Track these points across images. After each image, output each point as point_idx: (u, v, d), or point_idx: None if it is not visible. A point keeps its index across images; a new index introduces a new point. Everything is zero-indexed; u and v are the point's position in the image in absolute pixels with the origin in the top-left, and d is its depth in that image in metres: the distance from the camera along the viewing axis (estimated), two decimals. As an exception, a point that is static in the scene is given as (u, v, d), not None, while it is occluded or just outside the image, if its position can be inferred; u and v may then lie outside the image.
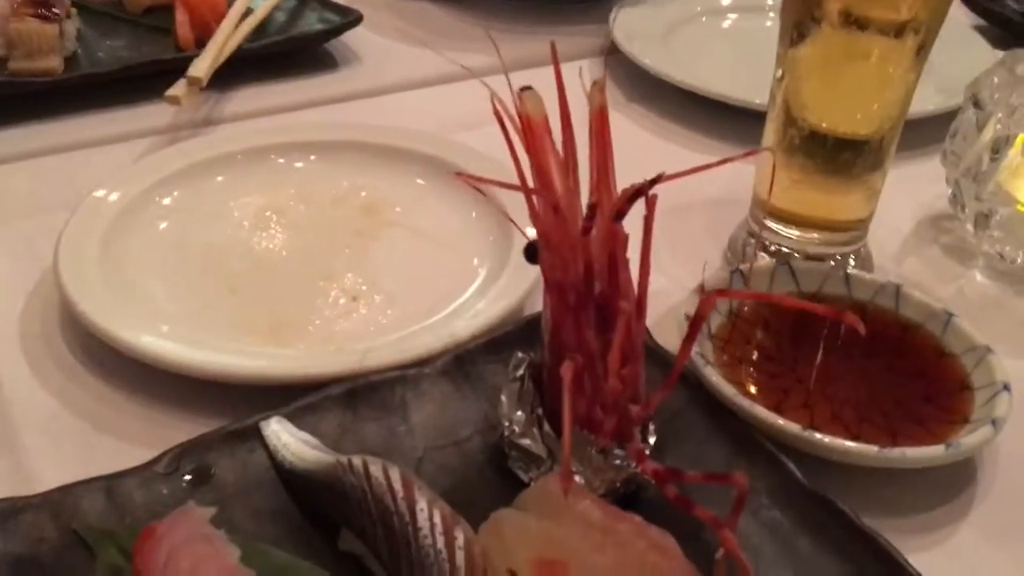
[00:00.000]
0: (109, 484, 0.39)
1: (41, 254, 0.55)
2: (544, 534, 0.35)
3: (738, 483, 0.36)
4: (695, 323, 0.37)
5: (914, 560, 0.37)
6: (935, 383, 0.47)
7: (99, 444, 0.45)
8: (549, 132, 0.38)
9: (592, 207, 0.36)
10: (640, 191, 0.35)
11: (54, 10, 0.71)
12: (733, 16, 0.86)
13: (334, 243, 0.56)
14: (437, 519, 0.34)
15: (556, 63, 0.39)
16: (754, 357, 0.49)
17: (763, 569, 0.37)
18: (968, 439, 0.42)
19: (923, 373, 0.48)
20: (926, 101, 0.67)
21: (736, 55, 0.80)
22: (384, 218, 0.58)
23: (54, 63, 0.70)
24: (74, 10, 0.75)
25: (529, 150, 0.38)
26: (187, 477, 0.40)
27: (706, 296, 0.37)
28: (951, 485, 0.44)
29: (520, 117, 0.38)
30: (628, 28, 0.78)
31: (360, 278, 0.53)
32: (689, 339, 0.37)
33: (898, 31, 0.49)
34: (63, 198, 0.60)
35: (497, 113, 0.38)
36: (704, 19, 0.85)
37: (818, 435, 0.42)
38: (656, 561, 0.34)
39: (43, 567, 0.36)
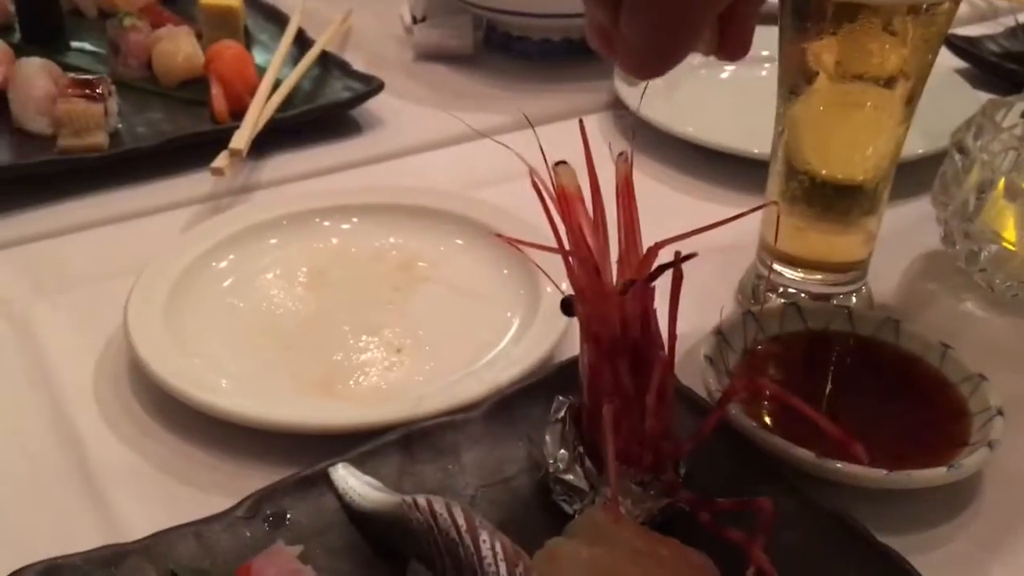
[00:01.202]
0: (198, 529, 0.43)
1: (104, 320, 0.59)
2: (595, 560, 0.39)
3: (763, 507, 0.41)
4: (723, 401, 0.43)
5: (924, 571, 0.41)
6: (936, 410, 0.51)
7: (180, 495, 0.49)
8: (582, 200, 0.43)
9: (628, 277, 0.41)
10: (670, 264, 0.40)
11: (98, 91, 0.76)
12: (730, 68, 0.91)
13: (376, 300, 0.60)
14: (499, 549, 0.39)
15: (585, 139, 0.44)
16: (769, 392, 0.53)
17: (789, 584, 0.42)
18: (968, 460, 0.46)
19: (924, 401, 0.52)
20: (913, 145, 0.72)
21: (734, 104, 0.86)
22: (420, 274, 0.63)
23: (100, 139, 0.75)
24: (113, 87, 0.80)
25: (565, 218, 0.42)
26: (267, 520, 0.44)
27: (733, 383, 0.43)
28: (954, 504, 0.48)
29: (556, 189, 0.42)
30: (630, 83, 0.83)
31: (402, 331, 0.58)
32: (719, 410, 0.44)
33: (888, 81, 0.53)
34: (118, 266, 0.64)
35: (535, 186, 0.42)
36: (703, 71, 0.90)
37: (831, 462, 0.46)
38: (696, 579, 0.38)
39: (147, 606, 0.40)
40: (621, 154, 0.43)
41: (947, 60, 0.92)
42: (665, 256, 0.42)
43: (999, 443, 0.47)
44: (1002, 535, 0.47)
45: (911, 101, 0.54)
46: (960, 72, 0.90)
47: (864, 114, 0.54)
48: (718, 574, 0.39)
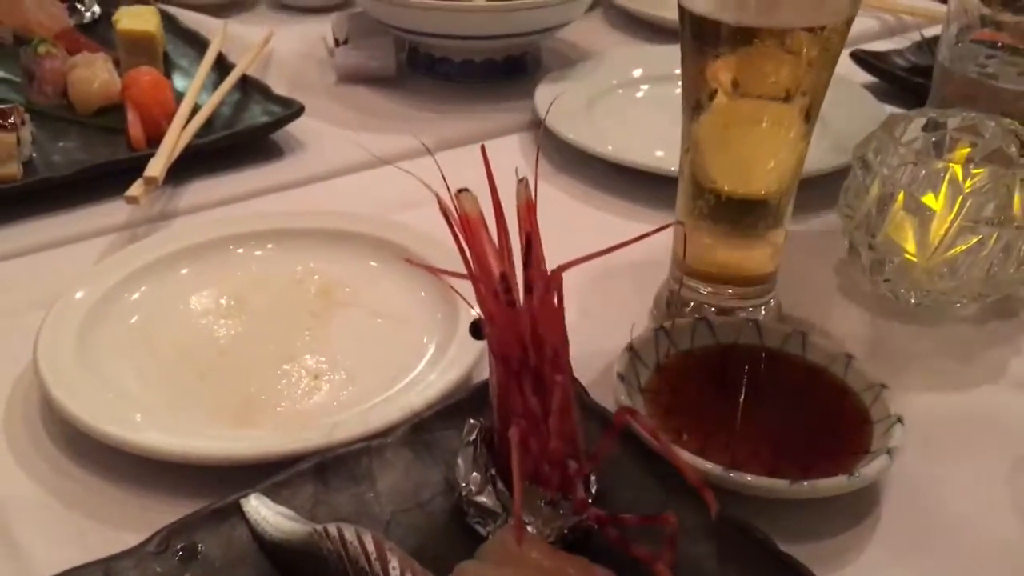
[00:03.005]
0: (107, 566, 0.43)
1: (15, 354, 0.58)
2: (503, 581, 0.39)
3: (669, 522, 0.42)
4: (611, 433, 0.44)
5: (828, 579, 0.43)
6: (839, 419, 0.53)
7: (89, 530, 0.48)
8: (485, 226, 0.44)
9: (528, 289, 0.41)
10: (553, 279, 0.42)
11: (10, 120, 0.75)
12: (645, 86, 0.93)
13: (293, 326, 0.60)
14: (408, 574, 0.39)
15: (487, 164, 0.44)
16: (680, 406, 0.54)
17: (697, 599, 0.43)
18: (868, 468, 0.48)
19: (829, 411, 0.53)
20: (821, 160, 0.75)
21: (650, 122, 0.87)
22: (338, 299, 0.63)
23: (13, 170, 0.74)
24: (27, 115, 0.79)
25: (469, 243, 0.43)
26: (177, 555, 0.44)
27: (619, 410, 0.44)
28: (857, 511, 0.50)
29: (459, 215, 0.43)
30: (551, 103, 0.84)
31: (320, 357, 0.58)
32: (609, 439, 0.44)
33: (785, 98, 0.55)
34: (31, 299, 0.64)
35: (444, 213, 0.43)
36: (620, 91, 0.92)
37: (737, 473, 0.47)
38: (602, 597, 0.39)
39: (52, 648, 0.40)
40: (521, 180, 0.44)
41: (855, 74, 0.95)
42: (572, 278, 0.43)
43: (898, 450, 0.49)
44: (904, 540, 0.49)
45: (809, 117, 0.56)
46: (868, 86, 0.93)
47: (764, 130, 0.56)
48: (624, 592, 0.40)
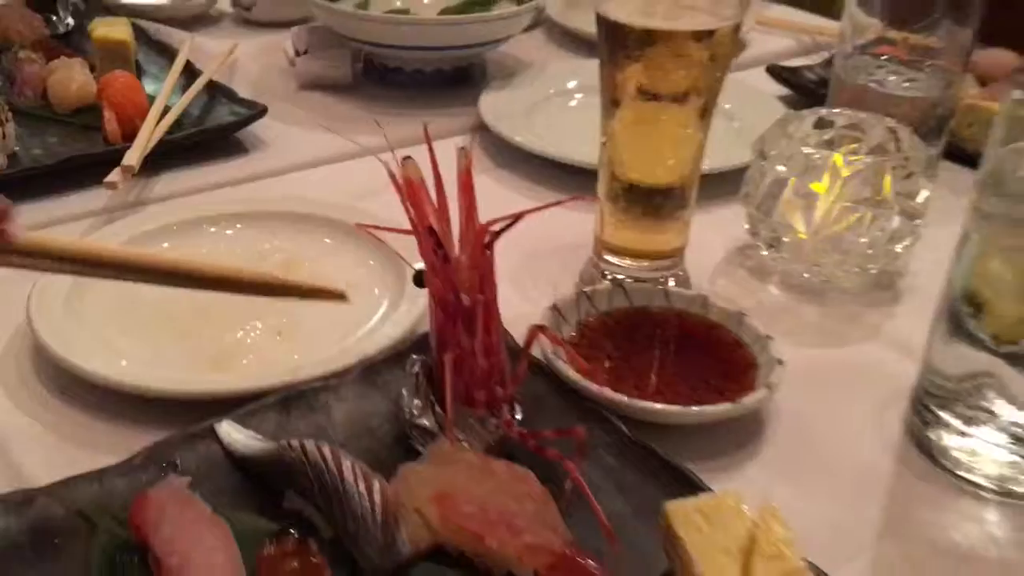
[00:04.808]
0: (99, 475, 0.50)
1: (5, 320, 0.65)
2: (437, 476, 0.47)
3: (577, 434, 0.50)
4: (527, 346, 0.53)
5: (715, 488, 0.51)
6: (732, 364, 0.62)
7: (80, 458, 0.55)
8: (426, 190, 0.52)
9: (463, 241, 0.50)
10: (501, 232, 0.49)
11: (-4, 115, 0.82)
12: (579, 96, 1.02)
13: (259, 293, 0.68)
14: (359, 472, 0.47)
15: (428, 139, 0.53)
16: (598, 357, 0.63)
17: (601, 498, 0.50)
18: (749, 398, 0.57)
19: (724, 359, 0.62)
20: (734, 157, 0.84)
21: (581, 125, 0.96)
22: (299, 271, 0.71)
23: (-1, 160, 0.81)
24: (10, 113, 0.86)
25: (413, 203, 0.51)
26: (160, 468, 0.51)
27: (531, 328, 0.53)
28: (744, 436, 0.58)
29: (404, 180, 0.51)
30: (494, 109, 0.94)
31: (284, 317, 0.65)
32: (525, 352, 0.53)
33: (682, 98, 0.64)
34: (18, 273, 0.70)
35: (392, 177, 0.51)
36: (556, 99, 1.01)
37: (637, 400, 0.56)
38: (520, 487, 0.47)
39: (54, 536, 0.47)
40: (461, 148, 0.52)
41: (771, 87, 1.05)
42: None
43: (777, 386, 0.58)
44: (784, 461, 0.57)
45: (705, 114, 0.65)
46: (783, 98, 1.03)
47: (665, 126, 0.65)
48: (538, 483, 0.48)
